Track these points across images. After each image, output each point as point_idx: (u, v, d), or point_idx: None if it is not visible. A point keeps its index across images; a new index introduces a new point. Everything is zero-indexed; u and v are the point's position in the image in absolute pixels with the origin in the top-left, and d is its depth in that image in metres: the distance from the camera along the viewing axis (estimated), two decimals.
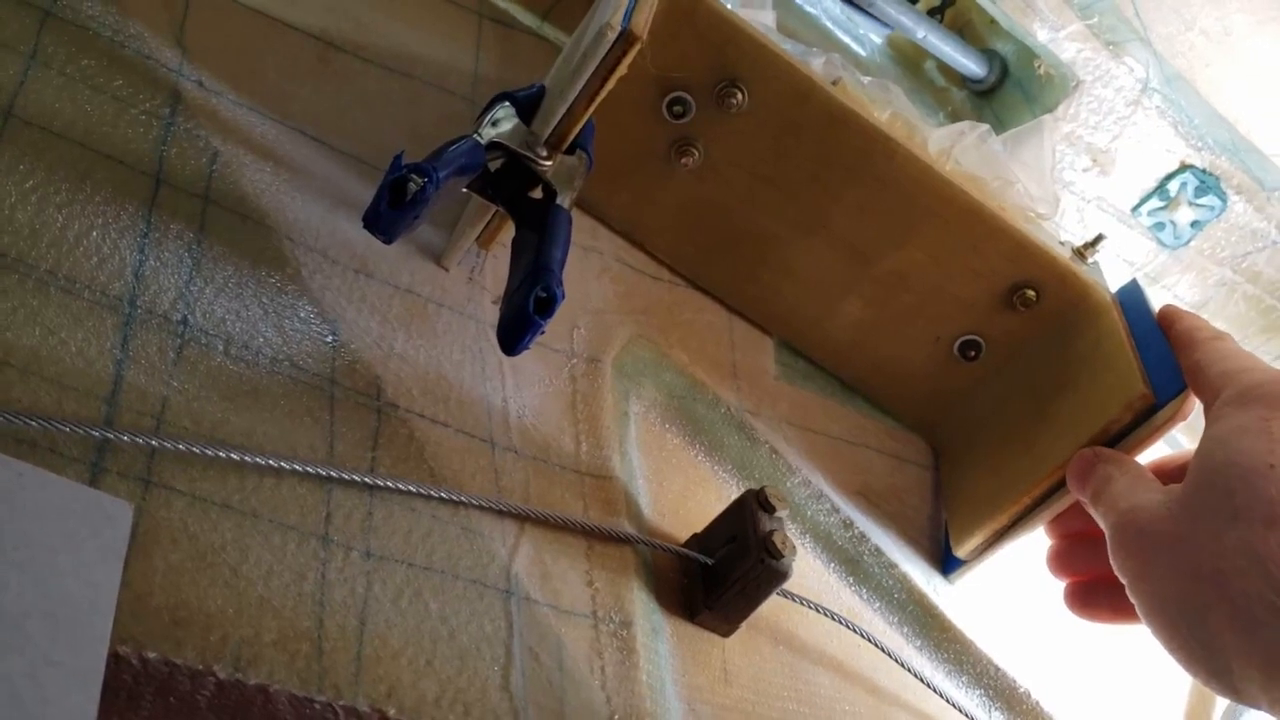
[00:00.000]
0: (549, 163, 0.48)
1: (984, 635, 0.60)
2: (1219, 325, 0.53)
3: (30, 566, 0.33)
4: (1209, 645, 0.40)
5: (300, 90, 0.55)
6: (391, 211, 0.42)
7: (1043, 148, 0.66)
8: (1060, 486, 0.55)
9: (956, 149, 0.61)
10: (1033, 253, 0.60)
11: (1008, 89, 0.84)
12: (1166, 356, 0.53)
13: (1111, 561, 0.45)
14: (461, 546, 0.44)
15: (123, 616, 0.35)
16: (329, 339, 0.47)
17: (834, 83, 0.58)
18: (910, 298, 0.63)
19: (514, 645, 0.43)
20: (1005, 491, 0.58)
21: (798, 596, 0.53)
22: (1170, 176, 0.81)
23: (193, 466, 0.40)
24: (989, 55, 0.85)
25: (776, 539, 0.48)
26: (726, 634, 0.51)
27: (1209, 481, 0.42)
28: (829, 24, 0.84)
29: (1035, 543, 0.57)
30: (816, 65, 0.59)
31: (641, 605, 0.48)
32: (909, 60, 0.88)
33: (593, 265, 0.60)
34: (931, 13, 0.87)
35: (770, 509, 0.50)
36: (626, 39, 0.45)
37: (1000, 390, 0.64)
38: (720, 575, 0.49)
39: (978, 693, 0.59)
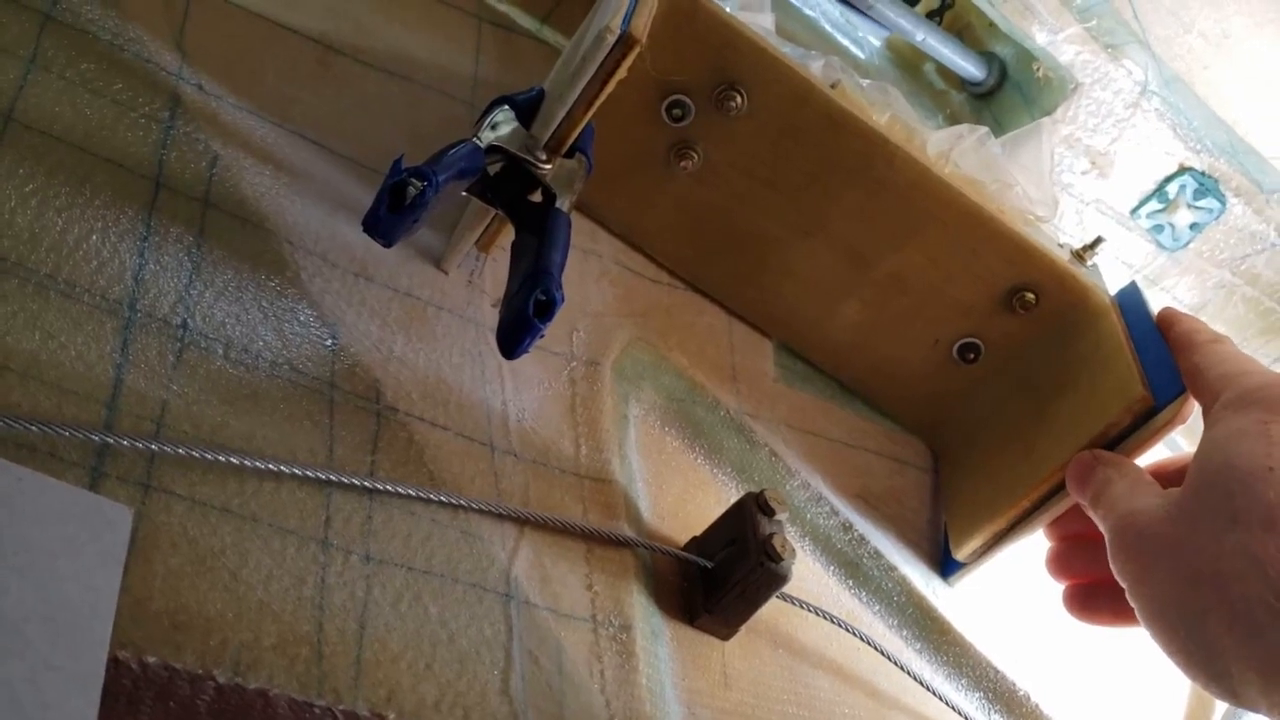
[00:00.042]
0: (548, 166, 0.48)
1: (983, 638, 0.60)
2: (1218, 328, 0.53)
3: (30, 571, 0.33)
4: (1208, 649, 0.40)
5: (300, 94, 0.55)
6: (391, 215, 0.42)
7: (1041, 150, 0.66)
8: (1059, 489, 0.55)
9: (955, 152, 0.61)
10: (1032, 255, 0.60)
11: (1006, 92, 0.84)
12: (1165, 359, 0.53)
13: (1111, 564, 0.45)
14: (461, 550, 0.44)
15: (122, 621, 0.35)
16: (328, 342, 0.47)
17: (833, 85, 0.58)
18: (909, 300, 0.63)
19: (514, 649, 0.43)
20: (1004, 494, 0.58)
21: (797, 600, 0.53)
22: (1169, 179, 0.81)
23: (192, 470, 0.40)
24: (988, 58, 0.85)
25: (776, 542, 0.48)
26: (726, 637, 0.51)
27: (1208, 484, 0.42)
28: (828, 27, 0.84)
29: (1034, 545, 0.57)
30: (815, 68, 0.59)
31: (641, 609, 0.48)
32: (908, 63, 0.88)
33: (592, 268, 0.60)
34: (930, 15, 0.87)
35: (770, 512, 0.50)
36: (626, 42, 0.45)
37: (999, 393, 0.64)
38: (720, 578, 0.49)
39: (977, 695, 0.59)
